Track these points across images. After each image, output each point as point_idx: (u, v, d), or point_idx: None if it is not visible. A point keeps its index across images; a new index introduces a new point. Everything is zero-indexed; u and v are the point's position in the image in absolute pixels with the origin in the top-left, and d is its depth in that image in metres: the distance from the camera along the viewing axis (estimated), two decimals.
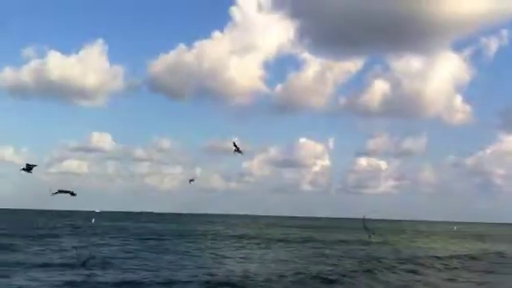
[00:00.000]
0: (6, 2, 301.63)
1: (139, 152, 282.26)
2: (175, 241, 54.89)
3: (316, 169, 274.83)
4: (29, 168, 26.77)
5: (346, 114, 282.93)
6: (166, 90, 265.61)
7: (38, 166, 27.01)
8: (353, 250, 47.54)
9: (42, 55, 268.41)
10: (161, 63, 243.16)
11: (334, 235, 78.29)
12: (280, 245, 53.56)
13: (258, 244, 52.94)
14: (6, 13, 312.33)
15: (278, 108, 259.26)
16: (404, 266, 32.74)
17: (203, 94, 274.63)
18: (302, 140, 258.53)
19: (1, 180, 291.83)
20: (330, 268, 30.37)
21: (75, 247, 38.65)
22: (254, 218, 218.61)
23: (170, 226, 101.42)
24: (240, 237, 66.81)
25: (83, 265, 29.27)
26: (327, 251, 45.76)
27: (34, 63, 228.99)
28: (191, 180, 53.99)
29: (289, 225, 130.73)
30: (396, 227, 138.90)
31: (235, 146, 30.93)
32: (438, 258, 40.39)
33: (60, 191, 26.01)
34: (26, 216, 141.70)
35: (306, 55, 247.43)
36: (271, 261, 36.03)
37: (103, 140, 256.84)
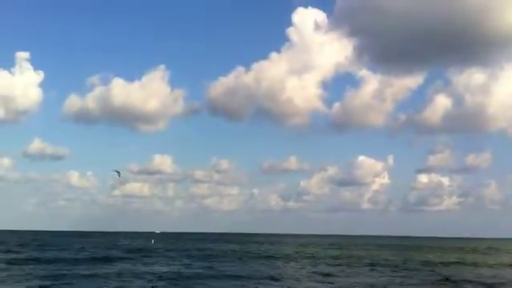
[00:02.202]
0: (73, 35, 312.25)
1: (199, 173, 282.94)
2: (261, 263, 51.79)
3: (375, 187, 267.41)
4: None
5: (406, 131, 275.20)
6: (224, 112, 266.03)
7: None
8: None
9: (106, 82, 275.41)
10: (219, 86, 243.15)
11: (425, 255, 73.32)
12: (389, 269, 47.76)
13: (356, 267, 48.69)
14: (73, 44, 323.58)
15: (336, 126, 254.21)
16: None
17: (261, 114, 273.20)
18: (361, 158, 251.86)
19: (68, 204, 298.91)
20: None
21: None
22: (316, 238, 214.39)
23: (241, 246, 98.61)
24: (334, 258, 62.09)
25: None
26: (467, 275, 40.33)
27: (99, 90, 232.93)
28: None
29: (361, 244, 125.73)
30: (474, 245, 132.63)
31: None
32: None
33: None
34: (94, 238, 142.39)
35: (363, 72, 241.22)
36: None
37: (164, 163, 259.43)
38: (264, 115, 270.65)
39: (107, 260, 52.92)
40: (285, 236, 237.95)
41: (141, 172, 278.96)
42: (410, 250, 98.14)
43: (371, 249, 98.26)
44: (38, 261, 50.23)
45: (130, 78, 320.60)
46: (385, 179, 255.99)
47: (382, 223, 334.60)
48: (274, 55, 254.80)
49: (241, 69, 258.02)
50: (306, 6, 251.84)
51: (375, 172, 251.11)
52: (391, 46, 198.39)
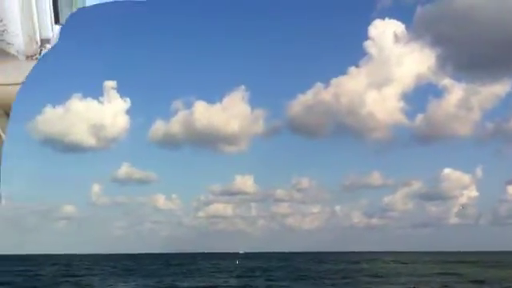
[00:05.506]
0: (155, 61, 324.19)
1: (280, 193, 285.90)
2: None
3: (463, 200, 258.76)
4: None
5: (495, 140, 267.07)
6: (305, 130, 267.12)
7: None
8: None
9: (189, 106, 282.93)
10: (299, 103, 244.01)
11: None
12: None
13: None
14: (156, 70, 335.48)
15: (419, 139, 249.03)
16: None
17: (342, 130, 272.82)
18: (447, 170, 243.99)
19: (156, 227, 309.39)
20: None
21: None
22: (411, 255, 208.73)
23: (346, 266, 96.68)
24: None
25: None
26: None
27: (182, 114, 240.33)
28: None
29: (468, 261, 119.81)
30: None
31: None
32: None
33: None
34: (183, 260, 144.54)
35: (447, 82, 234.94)
36: None
37: (246, 183, 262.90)
38: (345, 131, 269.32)
39: None
40: (375, 253, 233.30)
41: (223, 193, 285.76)
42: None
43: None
44: None
45: (212, 100, 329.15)
46: (473, 192, 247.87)
47: (472, 238, 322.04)
48: (352, 69, 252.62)
49: (320, 85, 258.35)
50: (383, 18, 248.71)
51: (462, 185, 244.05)
52: (476, 53, 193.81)
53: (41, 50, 4.57)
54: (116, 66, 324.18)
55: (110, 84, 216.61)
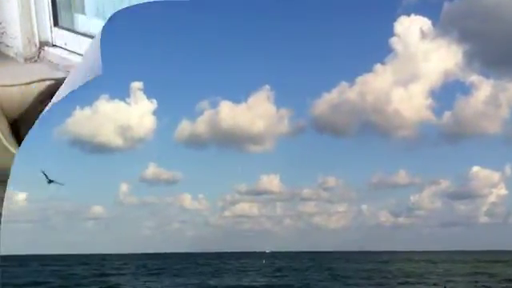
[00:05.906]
0: (181, 61, 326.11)
1: (306, 192, 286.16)
2: None
3: (492, 199, 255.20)
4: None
5: None
6: (330, 129, 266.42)
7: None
8: None
9: (214, 106, 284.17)
10: (324, 102, 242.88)
11: None
12: None
13: None
14: (182, 70, 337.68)
15: (447, 137, 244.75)
16: None
17: (367, 129, 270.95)
18: (476, 169, 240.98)
19: (183, 226, 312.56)
20: None
21: None
22: (434, 254, 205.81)
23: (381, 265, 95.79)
24: None
25: None
26: None
27: (208, 114, 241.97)
28: None
29: (499, 260, 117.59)
30: None
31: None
32: None
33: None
34: (210, 259, 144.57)
35: (475, 78, 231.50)
36: None
37: (272, 182, 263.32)
38: (370, 129, 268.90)
39: None
40: (403, 253, 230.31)
41: (249, 192, 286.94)
42: None
43: None
44: None
45: (237, 99, 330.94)
46: (502, 190, 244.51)
47: (501, 237, 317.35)
48: (378, 67, 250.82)
49: (344, 83, 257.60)
50: (408, 14, 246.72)
51: (492, 183, 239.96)
52: (504, 49, 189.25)
53: (39, 53, 4.62)
54: (142, 66, 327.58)
55: (136, 85, 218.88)
